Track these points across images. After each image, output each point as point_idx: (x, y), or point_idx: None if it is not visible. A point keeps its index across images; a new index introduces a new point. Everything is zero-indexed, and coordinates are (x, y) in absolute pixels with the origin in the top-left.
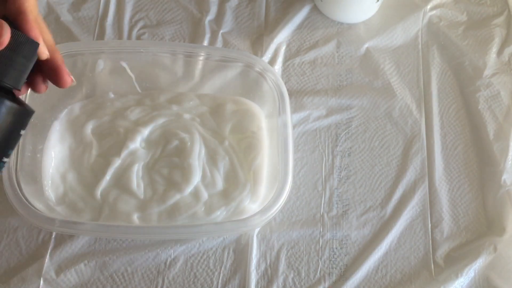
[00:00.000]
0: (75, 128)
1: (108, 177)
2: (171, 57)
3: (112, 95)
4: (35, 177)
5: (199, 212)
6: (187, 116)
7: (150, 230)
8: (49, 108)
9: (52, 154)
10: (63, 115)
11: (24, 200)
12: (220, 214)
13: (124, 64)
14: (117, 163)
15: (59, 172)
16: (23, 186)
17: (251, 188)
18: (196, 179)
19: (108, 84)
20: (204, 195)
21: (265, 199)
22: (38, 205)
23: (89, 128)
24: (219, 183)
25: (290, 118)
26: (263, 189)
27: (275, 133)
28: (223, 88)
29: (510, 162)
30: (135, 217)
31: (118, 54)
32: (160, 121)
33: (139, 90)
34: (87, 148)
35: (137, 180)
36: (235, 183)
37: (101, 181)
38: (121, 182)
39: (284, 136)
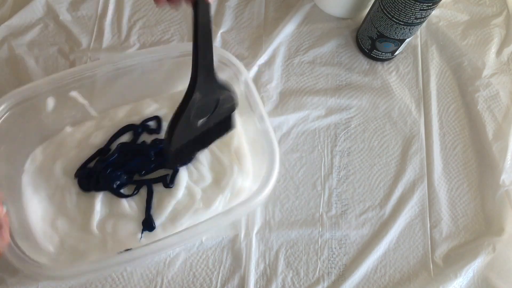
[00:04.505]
0: (44, 174)
1: (98, 209)
2: (120, 70)
3: (69, 129)
4: (27, 235)
5: (199, 209)
6: (151, 122)
7: (160, 244)
8: (11, 163)
9: (32, 208)
10: (28, 165)
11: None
12: (219, 203)
13: (74, 94)
14: (101, 193)
15: (48, 223)
16: (19, 243)
17: (238, 168)
18: (184, 179)
19: (62, 119)
20: (198, 191)
21: (257, 172)
22: (41, 259)
23: (58, 169)
24: (207, 175)
25: (250, 80)
26: (250, 163)
27: (243, 105)
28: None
29: (509, 162)
30: (140, 236)
31: (65, 86)
32: (125, 137)
33: (96, 114)
34: (65, 190)
35: (128, 201)
36: (222, 169)
37: (92, 216)
38: (113, 209)
39: (249, 95)
